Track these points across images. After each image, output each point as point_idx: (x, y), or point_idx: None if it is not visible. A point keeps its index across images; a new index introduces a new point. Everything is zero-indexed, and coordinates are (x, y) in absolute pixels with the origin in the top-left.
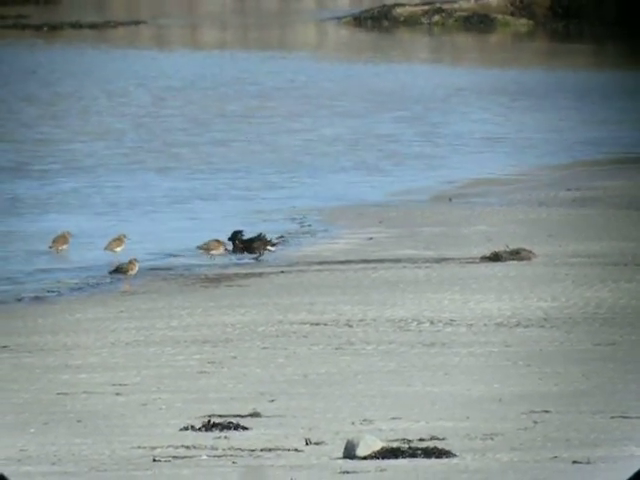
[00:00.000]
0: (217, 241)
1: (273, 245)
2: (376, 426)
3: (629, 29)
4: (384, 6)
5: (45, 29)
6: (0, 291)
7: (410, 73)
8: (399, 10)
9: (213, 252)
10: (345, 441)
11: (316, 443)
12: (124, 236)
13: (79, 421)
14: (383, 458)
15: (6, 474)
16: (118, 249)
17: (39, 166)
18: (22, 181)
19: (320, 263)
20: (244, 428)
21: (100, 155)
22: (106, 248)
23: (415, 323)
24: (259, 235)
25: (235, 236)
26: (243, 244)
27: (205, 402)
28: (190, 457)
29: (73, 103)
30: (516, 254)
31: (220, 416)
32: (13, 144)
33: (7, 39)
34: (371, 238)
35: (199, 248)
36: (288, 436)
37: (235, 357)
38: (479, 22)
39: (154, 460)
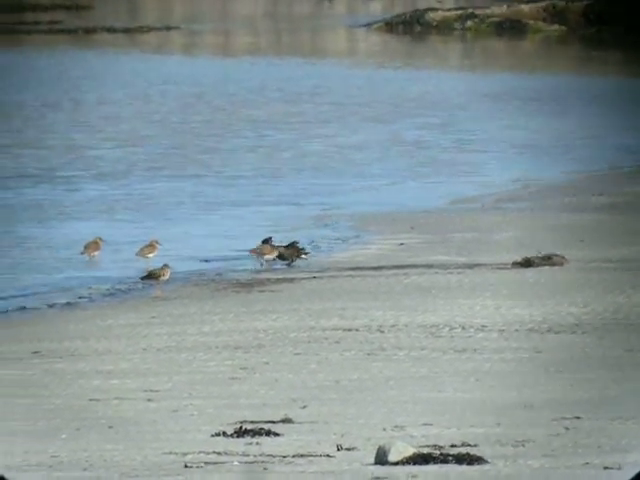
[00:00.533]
0: (271, 245)
1: (306, 254)
2: (408, 432)
3: None
4: (416, 11)
5: (79, 33)
6: (31, 297)
7: (442, 79)
8: (432, 15)
9: (267, 256)
10: (377, 447)
11: (348, 449)
12: (156, 242)
13: (110, 427)
14: (414, 464)
15: None
16: (150, 255)
17: (67, 172)
18: (49, 187)
19: (352, 269)
20: (276, 434)
21: (129, 161)
22: (138, 254)
23: (447, 329)
24: (292, 243)
25: (265, 243)
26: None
27: (237, 408)
28: (221, 463)
29: (102, 108)
30: (548, 259)
31: (252, 422)
32: (41, 150)
33: (41, 44)
34: (403, 244)
35: (251, 252)
36: (320, 442)
37: (267, 363)
38: (511, 28)
39: (185, 466)
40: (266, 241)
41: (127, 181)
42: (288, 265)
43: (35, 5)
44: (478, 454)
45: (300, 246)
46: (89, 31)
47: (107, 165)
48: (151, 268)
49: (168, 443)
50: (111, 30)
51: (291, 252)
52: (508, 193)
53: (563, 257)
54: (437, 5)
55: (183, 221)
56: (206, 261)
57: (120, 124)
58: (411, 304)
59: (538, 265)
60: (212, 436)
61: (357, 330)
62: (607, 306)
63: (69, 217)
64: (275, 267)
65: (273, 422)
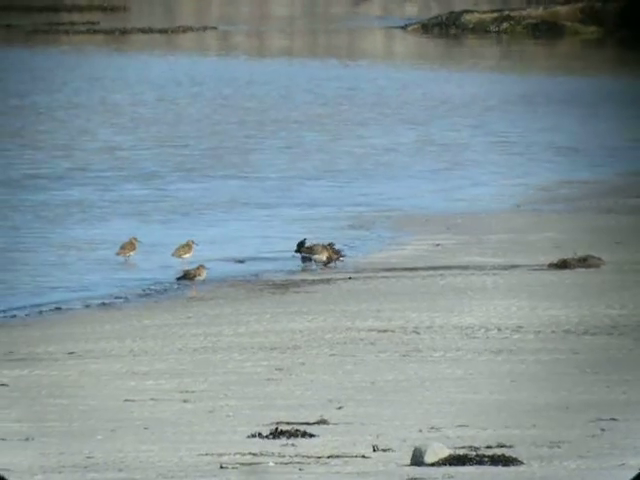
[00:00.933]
0: (323, 246)
1: (342, 257)
2: (443, 433)
3: None
4: (452, 13)
5: (116, 34)
6: (67, 298)
7: (478, 80)
8: (468, 17)
9: (316, 257)
10: (412, 448)
11: (383, 450)
12: (192, 242)
13: (146, 428)
14: (450, 465)
15: None
16: (187, 255)
17: (102, 172)
18: (84, 188)
19: (387, 270)
20: (311, 435)
21: (163, 161)
22: (174, 254)
23: (482, 330)
24: (329, 244)
25: (301, 245)
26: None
27: (272, 409)
28: (257, 464)
29: (136, 109)
30: (584, 261)
31: (287, 423)
32: (75, 151)
33: (77, 45)
34: (438, 245)
35: (301, 252)
36: (355, 443)
37: (303, 364)
38: (547, 30)
39: (221, 467)
40: (301, 244)
41: (162, 182)
42: (325, 266)
43: (71, 6)
44: (514, 455)
45: (337, 248)
46: (125, 32)
47: (142, 166)
48: (187, 268)
49: (204, 444)
50: (147, 31)
51: (330, 254)
52: (545, 194)
53: (600, 259)
54: (473, 7)
55: (218, 222)
56: (241, 262)
57: (153, 124)
58: (447, 305)
59: (574, 267)
60: (248, 437)
61: (393, 331)
62: None
63: (104, 217)
64: (311, 268)
65: (309, 423)
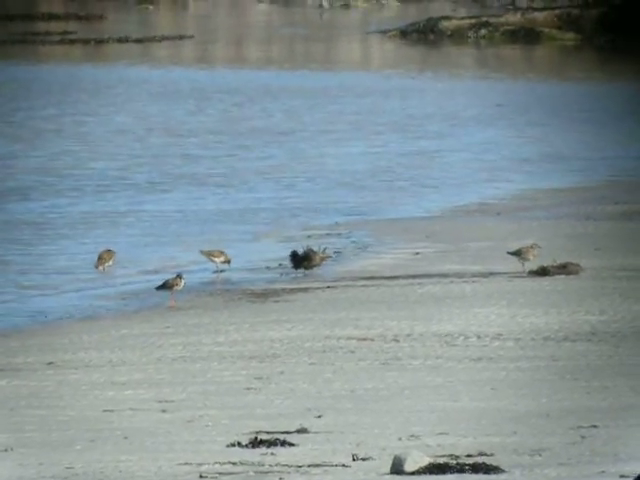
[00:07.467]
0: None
1: (329, 257)
2: (423, 441)
3: None
4: (430, 19)
5: (92, 44)
6: (46, 308)
7: (456, 88)
8: (445, 23)
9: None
10: (392, 457)
11: (363, 459)
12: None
13: (125, 438)
14: (430, 474)
15: None
16: (218, 259)
17: (73, 184)
18: (58, 200)
19: (366, 278)
20: (291, 444)
21: (138, 172)
22: (202, 252)
23: (462, 338)
24: (313, 250)
25: (295, 255)
26: (304, 260)
27: (252, 418)
28: (237, 474)
29: (113, 122)
30: (564, 268)
31: (267, 432)
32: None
33: (53, 55)
34: (418, 253)
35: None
36: (335, 452)
37: (282, 373)
38: (525, 36)
39: (200, 477)
40: (295, 253)
41: (137, 194)
42: (306, 269)
43: (48, 15)
44: (494, 463)
45: (319, 251)
46: (103, 41)
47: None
48: (165, 278)
49: (183, 454)
50: (123, 40)
51: (319, 258)
52: (523, 202)
53: (579, 265)
54: (451, 14)
55: (195, 232)
56: (220, 271)
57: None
58: (426, 313)
59: (554, 274)
60: (227, 446)
61: (372, 339)
62: (623, 314)
63: (83, 228)
64: (289, 276)
65: (288, 432)
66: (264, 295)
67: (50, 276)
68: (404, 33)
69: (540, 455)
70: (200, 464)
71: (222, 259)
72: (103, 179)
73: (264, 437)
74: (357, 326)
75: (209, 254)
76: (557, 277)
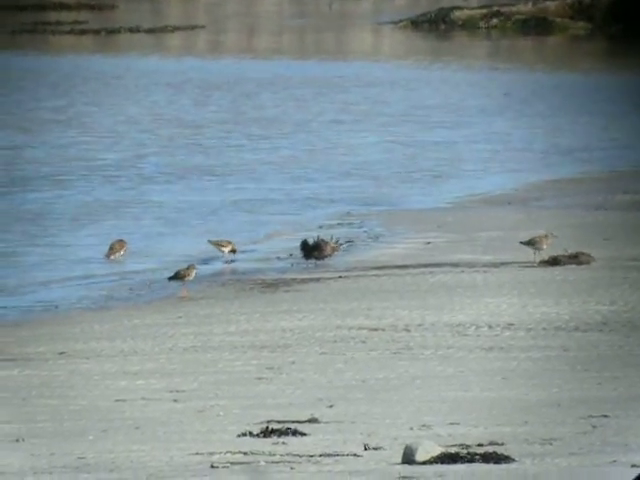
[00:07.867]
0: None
1: (341, 245)
2: (434, 431)
3: None
4: (441, 9)
5: (103, 34)
6: (57, 297)
7: (466, 79)
8: (457, 13)
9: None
10: (403, 446)
11: (374, 448)
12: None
13: (137, 428)
14: (442, 463)
15: None
16: (225, 249)
17: (81, 174)
18: (67, 191)
19: (378, 268)
20: (302, 434)
21: (151, 164)
22: (211, 242)
23: (473, 328)
24: (324, 240)
25: (305, 244)
26: (315, 250)
27: (263, 408)
28: (248, 463)
29: (121, 113)
30: (575, 258)
31: (278, 422)
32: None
33: (64, 46)
34: (429, 242)
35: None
36: (346, 442)
37: (293, 362)
38: (536, 25)
39: (212, 466)
40: (306, 242)
41: (150, 185)
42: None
43: (59, 4)
44: (505, 453)
45: (332, 241)
46: (114, 31)
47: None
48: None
49: (194, 443)
50: (134, 30)
51: (330, 248)
52: (535, 192)
53: (590, 255)
54: (462, 4)
55: (206, 222)
56: (232, 261)
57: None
58: (437, 303)
59: (565, 263)
60: (238, 436)
61: (383, 329)
62: (634, 304)
63: (93, 219)
64: (301, 266)
65: (299, 422)
66: (275, 285)
67: (61, 266)
68: (415, 23)
69: (551, 444)
70: (211, 454)
71: (229, 248)
72: (113, 169)
73: (275, 427)
74: (368, 316)
75: (217, 244)
76: (568, 267)
